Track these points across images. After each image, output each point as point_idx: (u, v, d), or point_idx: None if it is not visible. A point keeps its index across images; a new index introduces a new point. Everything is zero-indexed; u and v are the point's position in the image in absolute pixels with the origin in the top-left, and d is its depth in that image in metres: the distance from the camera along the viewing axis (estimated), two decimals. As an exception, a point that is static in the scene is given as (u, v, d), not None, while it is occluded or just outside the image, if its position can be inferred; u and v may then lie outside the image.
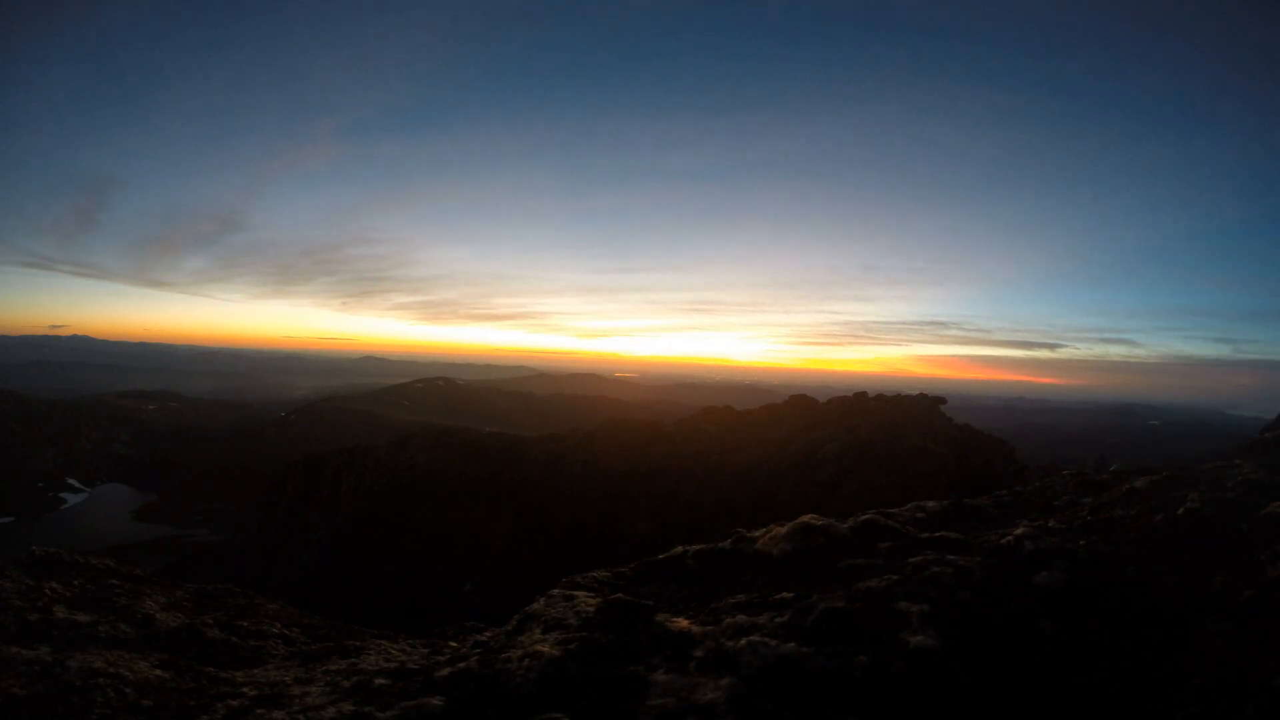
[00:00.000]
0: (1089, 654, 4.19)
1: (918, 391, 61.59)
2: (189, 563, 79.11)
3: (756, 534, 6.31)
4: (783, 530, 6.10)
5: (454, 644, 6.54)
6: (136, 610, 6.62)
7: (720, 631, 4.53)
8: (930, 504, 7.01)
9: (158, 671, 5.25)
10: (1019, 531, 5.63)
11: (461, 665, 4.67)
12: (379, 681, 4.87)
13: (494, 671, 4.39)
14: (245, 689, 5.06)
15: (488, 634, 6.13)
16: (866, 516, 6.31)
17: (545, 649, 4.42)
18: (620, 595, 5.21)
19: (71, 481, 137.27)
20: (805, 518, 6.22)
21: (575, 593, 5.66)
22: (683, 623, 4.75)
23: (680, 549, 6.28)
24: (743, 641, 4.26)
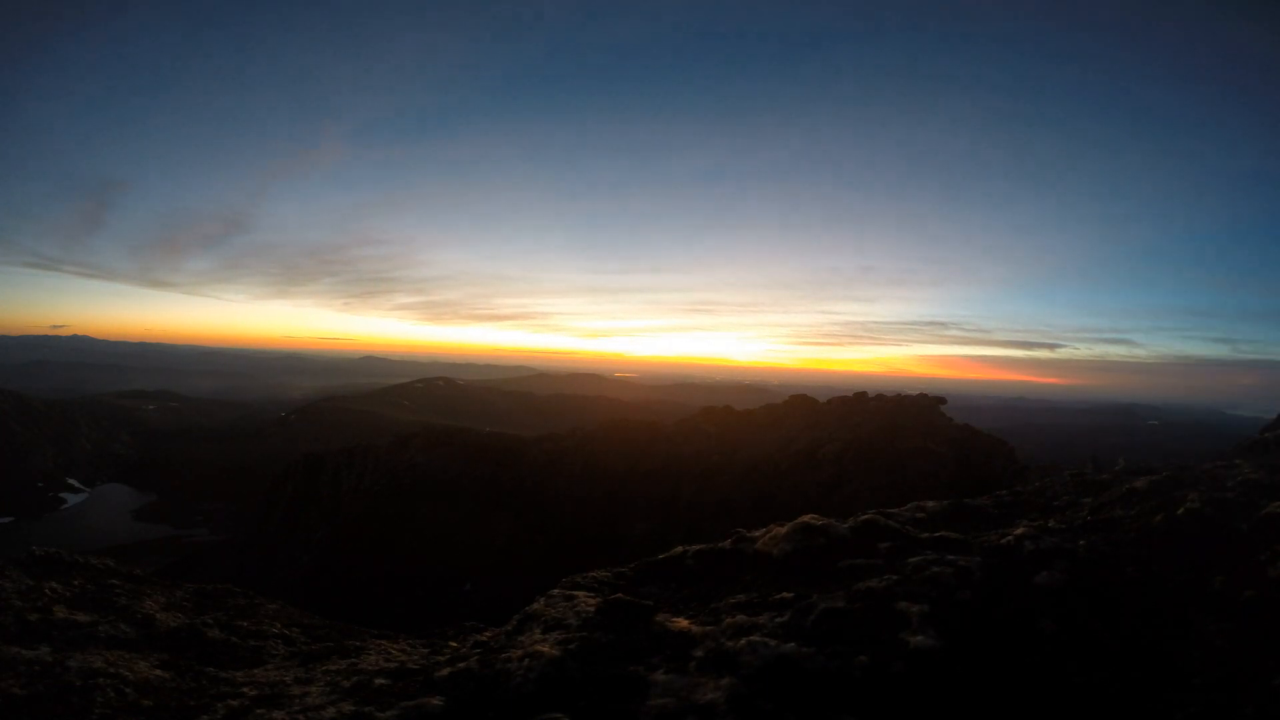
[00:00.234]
0: (1089, 654, 4.19)
1: (918, 391, 61.57)
2: (189, 563, 79.10)
3: (756, 534, 6.31)
4: (783, 530, 6.10)
5: (454, 644, 6.54)
6: (136, 610, 6.62)
7: (720, 631, 4.53)
8: (930, 504, 7.01)
9: (158, 671, 5.25)
10: (1019, 531, 5.63)
11: (461, 665, 4.67)
12: (379, 681, 4.87)
13: (494, 671, 4.39)
14: (245, 689, 5.07)
15: (488, 634, 6.14)
16: (866, 516, 6.31)
17: (545, 649, 4.43)
18: (620, 595, 5.21)
19: (71, 481, 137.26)
20: (805, 518, 6.22)
21: (575, 593, 5.66)
22: (683, 623, 4.75)
23: (680, 549, 6.29)
24: (743, 641, 4.27)
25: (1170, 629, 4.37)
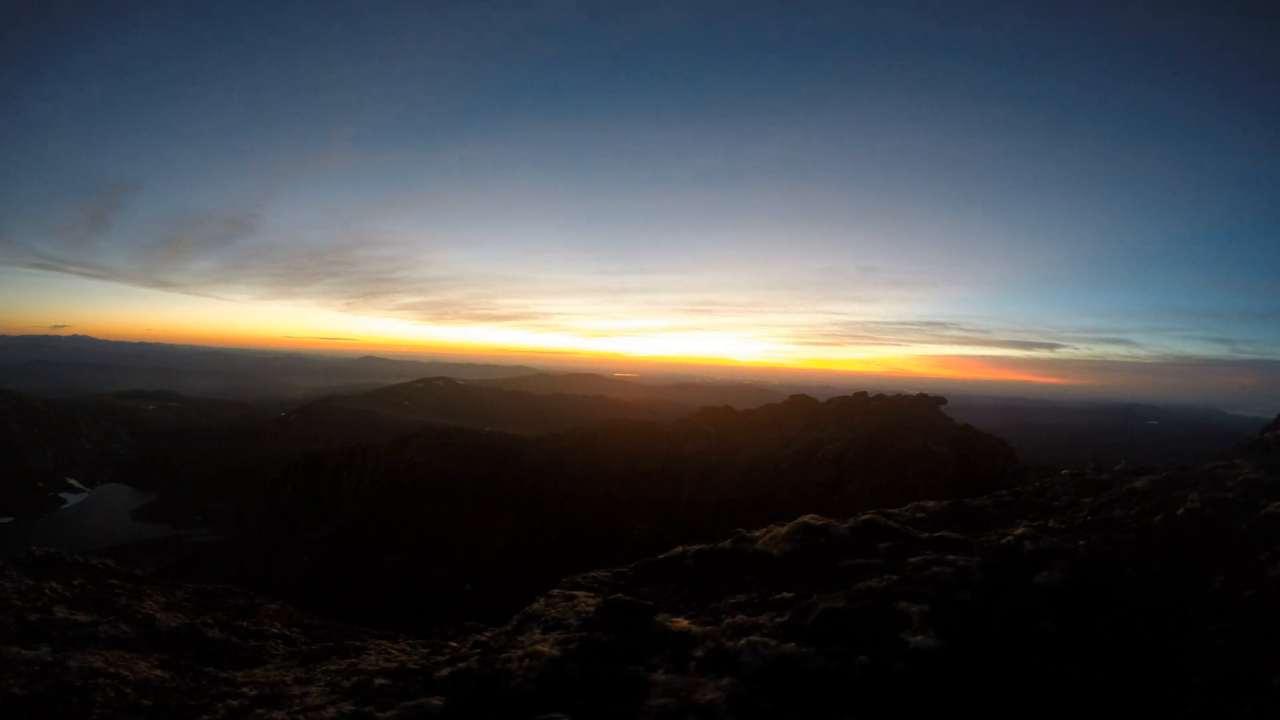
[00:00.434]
0: (1089, 654, 4.19)
1: (918, 391, 61.59)
2: (189, 563, 79.08)
3: (756, 534, 6.31)
4: (783, 530, 6.10)
5: (454, 644, 6.54)
6: (136, 610, 6.62)
7: (720, 631, 4.53)
8: (930, 504, 7.01)
9: (158, 671, 5.25)
10: (1019, 531, 5.63)
11: (461, 665, 4.67)
12: (379, 681, 4.87)
13: (494, 671, 4.39)
14: (245, 689, 5.07)
15: (488, 634, 6.13)
16: (866, 516, 6.31)
17: (545, 649, 4.42)
18: (620, 595, 5.21)
19: (71, 481, 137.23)
20: (805, 518, 6.22)
21: (575, 593, 5.66)
22: (683, 623, 4.75)
23: (680, 549, 6.28)
24: (743, 641, 4.27)
25: (1170, 629, 4.37)
